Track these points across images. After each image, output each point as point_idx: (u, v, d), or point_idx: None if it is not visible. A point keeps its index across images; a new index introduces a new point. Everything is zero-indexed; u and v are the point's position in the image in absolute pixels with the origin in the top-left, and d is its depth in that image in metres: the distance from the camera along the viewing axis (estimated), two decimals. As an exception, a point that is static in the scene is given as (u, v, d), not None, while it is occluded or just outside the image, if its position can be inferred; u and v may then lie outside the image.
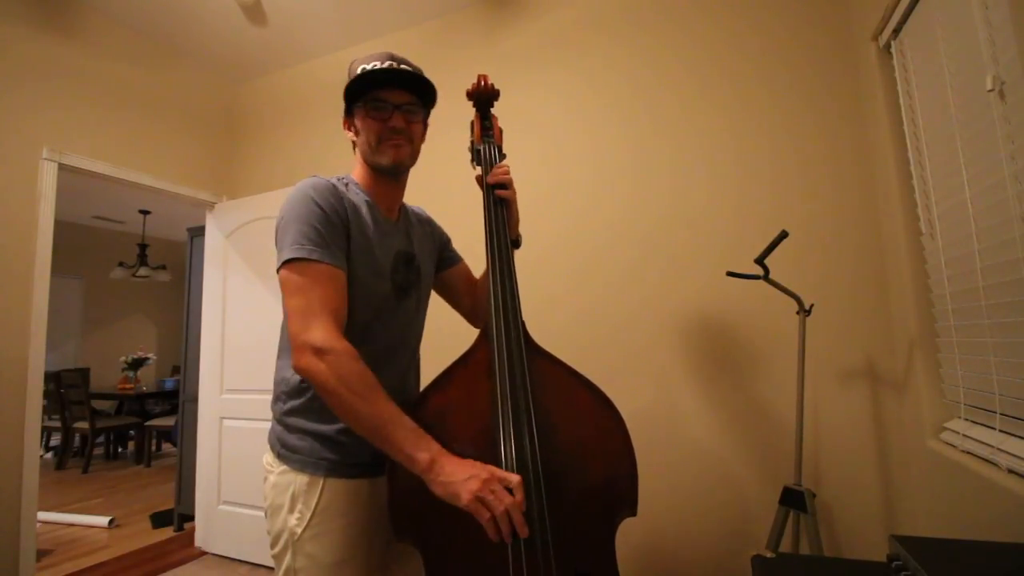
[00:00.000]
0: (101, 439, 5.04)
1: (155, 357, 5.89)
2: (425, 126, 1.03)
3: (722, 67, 1.95)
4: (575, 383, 0.91)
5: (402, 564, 0.99)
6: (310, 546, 0.88)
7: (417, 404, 0.87)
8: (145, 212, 5.57)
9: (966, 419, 1.21)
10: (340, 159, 2.67)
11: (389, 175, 0.99)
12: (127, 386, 5.07)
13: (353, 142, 1.00)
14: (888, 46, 1.49)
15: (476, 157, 1.11)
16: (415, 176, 1.07)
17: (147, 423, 4.77)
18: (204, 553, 2.72)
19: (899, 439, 1.57)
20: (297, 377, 0.92)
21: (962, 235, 1.16)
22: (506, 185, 1.03)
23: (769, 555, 0.71)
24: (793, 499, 1.46)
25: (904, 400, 1.55)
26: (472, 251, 1.24)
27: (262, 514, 0.96)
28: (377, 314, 0.94)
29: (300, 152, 2.93)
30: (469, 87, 1.11)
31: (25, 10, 2.27)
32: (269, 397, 1.01)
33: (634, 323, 2.00)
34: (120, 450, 5.26)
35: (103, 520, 3.12)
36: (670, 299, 1.95)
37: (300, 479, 0.90)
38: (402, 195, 1.06)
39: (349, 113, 0.99)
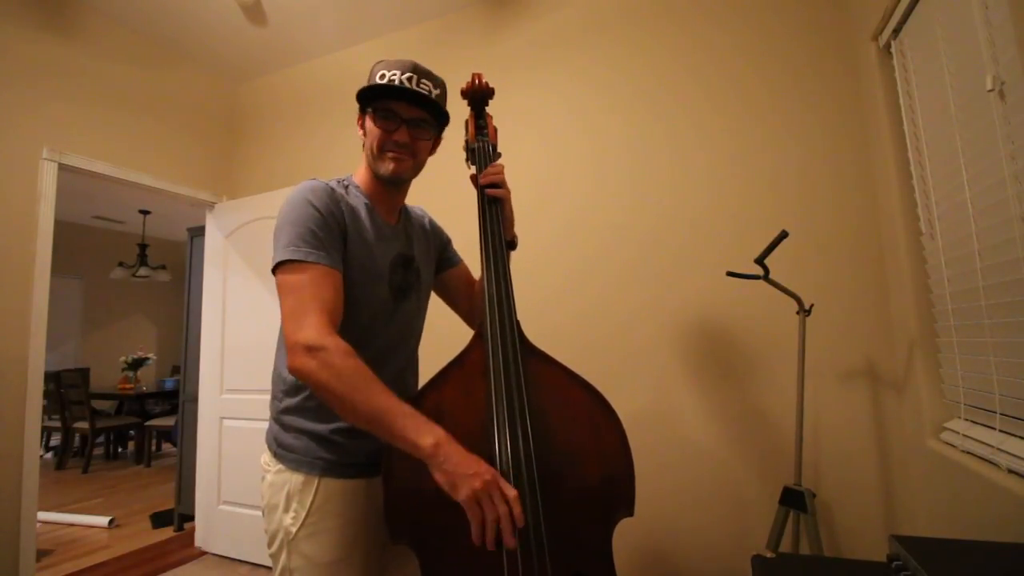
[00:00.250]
0: (101, 439, 5.04)
1: (155, 357, 5.89)
2: (437, 141, 1.03)
3: (722, 67, 1.95)
4: (571, 383, 0.91)
5: (399, 566, 0.99)
6: (305, 545, 0.88)
7: (412, 403, 0.87)
8: (145, 212, 5.57)
9: (966, 419, 1.21)
10: (340, 159, 2.67)
11: (388, 185, 0.99)
12: (127, 386, 5.07)
13: (363, 139, 1.01)
14: (888, 46, 1.49)
15: (471, 156, 1.11)
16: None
17: (147, 423, 4.77)
18: (204, 553, 2.72)
19: (899, 439, 1.57)
20: (293, 376, 0.93)
21: (962, 235, 1.16)
22: (499, 184, 1.02)
23: (769, 555, 0.71)
24: (793, 499, 1.46)
25: (904, 400, 1.55)
26: (467, 251, 1.24)
27: (261, 514, 0.96)
28: (375, 317, 0.95)
29: (300, 152, 2.93)
30: (463, 86, 1.11)
31: (25, 10, 2.27)
32: (269, 397, 1.01)
33: (633, 323, 2.00)
34: (120, 450, 5.26)
35: (103, 520, 3.12)
36: (670, 299, 1.95)
37: (295, 478, 0.90)
38: (403, 200, 1.06)
39: (363, 112, 0.98)
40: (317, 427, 0.91)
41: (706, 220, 1.92)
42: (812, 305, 1.56)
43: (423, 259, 1.08)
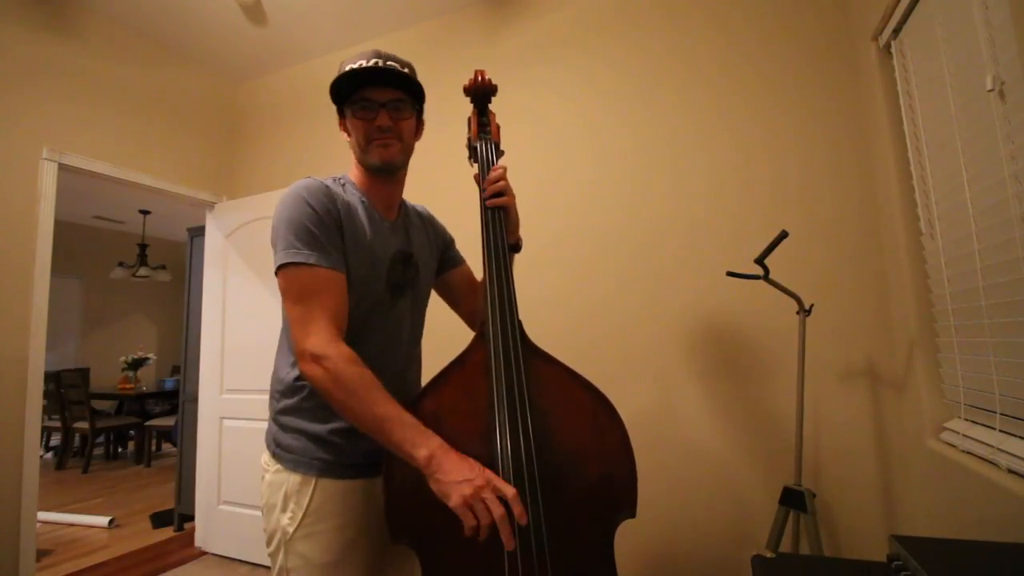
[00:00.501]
0: (101, 439, 5.03)
1: (155, 357, 5.89)
2: (420, 122, 1.02)
3: (722, 67, 1.95)
4: (573, 383, 0.90)
5: (397, 567, 0.99)
6: (302, 546, 0.88)
7: (413, 404, 0.87)
8: (145, 212, 5.57)
9: (966, 419, 1.21)
10: (340, 159, 2.67)
11: (382, 174, 0.98)
12: (127, 386, 5.07)
13: (349, 142, 1.00)
14: (888, 46, 1.49)
15: (473, 154, 1.10)
16: (413, 174, 1.06)
17: (147, 423, 4.77)
18: (204, 553, 2.72)
19: (899, 439, 1.57)
20: (292, 375, 0.93)
21: (962, 235, 1.16)
22: (502, 193, 1.01)
23: (769, 555, 0.71)
24: (793, 499, 1.46)
25: (904, 400, 1.55)
26: (469, 251, 1.23)
27: (261, 513, 0.96)
28: (372, 313, 0.94)
29: (300, 152, 2.93)
30: (466, 82, 1.11)
31: (25, 10, 2.27)
32: (268, 397, 1.01)
33: (634, 323, 2.00)
34: (120, 450, 5.26)
35: (103, 520, 3.12)
36: (670, 299, 1.95)
37: (293, 478, 0.90)
38: (400, 193, 1.05)
39: (342, 114, 0.98)
40: (315, 427, 0.91)
41: (706, 220, 1.92)
42: (812, 305, 1.56)
43: (423, 256, 1.07)
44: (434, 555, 0.83)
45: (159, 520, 3.16)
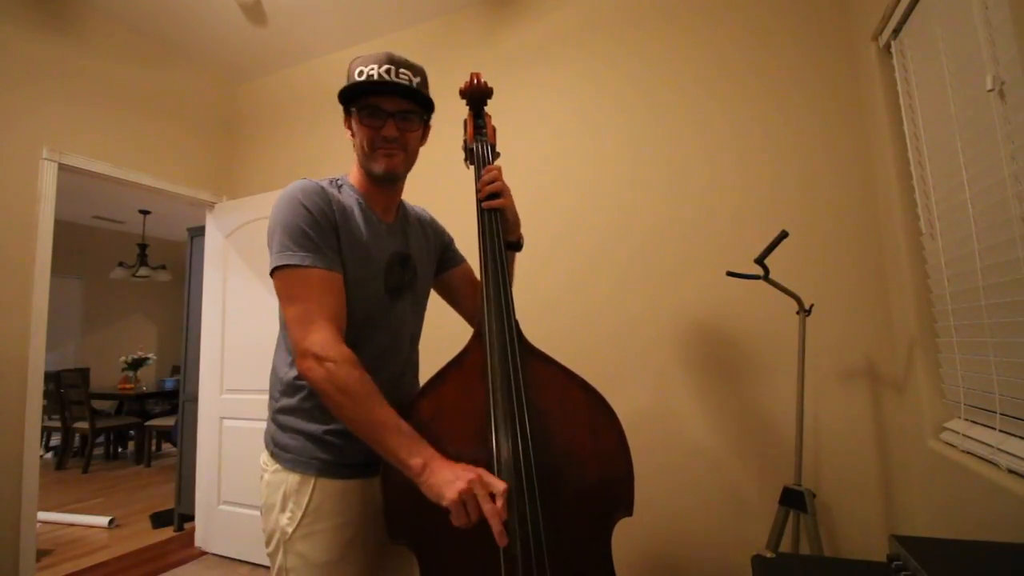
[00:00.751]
0: (101, 439, 5.04)
1: (155, 357, 5.89)
2: (426, 130, 1.02)
3: (722, 67, 1.95)
4: (570, 383, 0.91)
5: (396, 567, 0.99)
6: (301, 546, 0.88)
7: (411, 405, 0.87)
8: (145, 212, 5.57)
9: (966, 419, 1.21)
10: (340, 159, 2.67)
11: (383, 183, 0.98)
12: (127, 386, 5.07)
13: (352, 141, 1.00)
14: (888, 46, 1.49)
15: (469, 156, 1.10)
16: (412, 174, 1.06)
17: (147, 423, 4.77)
18: (204, 553, 2.72)
19: (899, 439, 1.57)
20: (291, 375, 0.93)
21: (962, 235, 1.16)
22: (498, 193, 1.01)
23: (769, 555, 0.71)
24: (793, 499, 1.46)
25: (904, 400, 1.55)
26: (468, 250, 1.23)
27: (260, 513, 0.96)
28: (370, 315, 0.94)
29: (300, 152, 2.93)
30: (462, 85, 1.11)
31: (25, 10, 2.27)
32: (268, 397, 1.01)
33: (633, 323, 2.00)
34: (120, 450, 5.26)
35: (103, 520, 3.12)
36: (670, 299, 1.95)
37: (292, 478, 0.90)
38: (399, 197, 1.05)
39: (348, 112, 0.98)
40: (313, 428, 0.91)
41: (706, 220, 1.92)
42: (812, 305, 1.56)
43: (421, 258, 1.07)
44: (433, 555, 0.83)
45: (159, 520, 3.16)
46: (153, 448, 4.97)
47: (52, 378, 4.51)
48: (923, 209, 1.38)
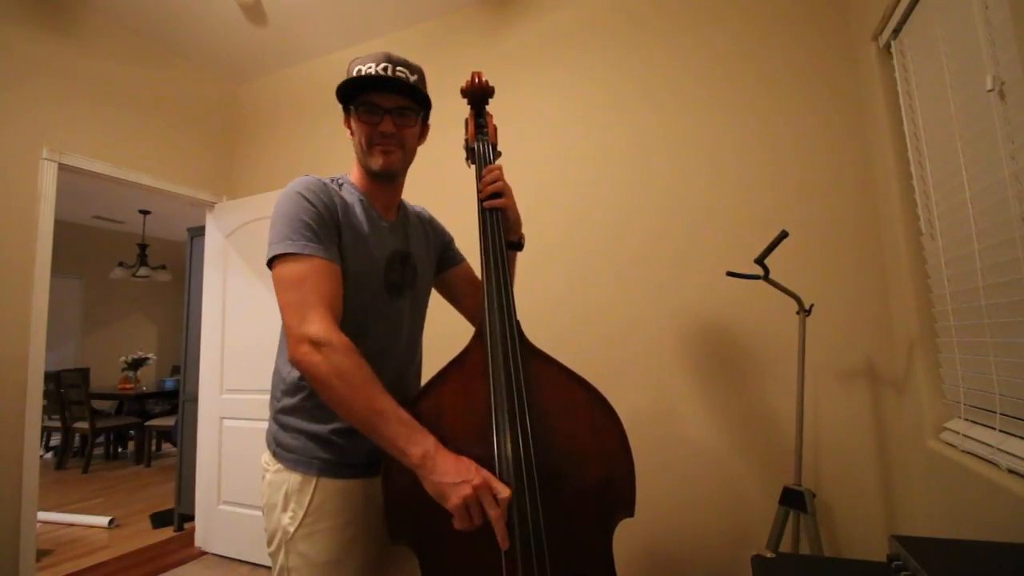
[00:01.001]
0: (101, 439, 5.04)
1: (155, 357, 5.89)
2: (424, 128, 1.02)
3: (722, 68, 1.95)
4: (570, 383, 0.90)
5: (397, 567, 0.99)
6: (303, 545, 0.88)
7: (412, 404, 0.87)
8: (145, 212, 5.57)
9: (966, 419, 1.21)
10: (340, 159, 2.67)
11: (381, 179, 0.98)
12: (127, 386, 5.07)
13: (353, 142, 1.01)
14: (888, 46, 1.49)
15: (470, 155, 1.11)
16: (412, 174, 1.07)
17: (147, 423, 4.77)
18: (204, 553, 2.72)
19: (899, 439, 1.57)
20: (294, 375, 0.93)
21: (962, 235, 1.16)
22: (499, 193, 1.01)
23: (769, 555, 0.71)
24: (793, 499, 1.46)
25: (904, 400, 1.55)
26: (469, 250, 1.23)
27: (261, 513, 0.96)
28: (369, 312, 0.94)
29: (300, 152, 2.93)
30: (463, 84, 1.11)
31: (25, 10, 2.27)
32: (268, 397, 1.01)
33: (633, 323, 2.00)
34: (120, 450, 5.26)
35: (103, 520, 3.12)
36: (670, 299, 1.95)
37: (293, 478, 0.90)
38: (399, 195, 1.06)
39: (347, 111, 0.99)
40: (315, 427, 0.91)
41: (706, 220, 1.92)
42: (812, 305, 1.57)
43: (421, 256, 1.07)
44: (434, 555, 0.83)
45: (159, 520, 3.16)
46: (153, 448, 4.97)
47: (52, 378, 4.51)
48: (923, 209, 1.38)
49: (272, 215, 0.90)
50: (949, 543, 0.67)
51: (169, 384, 5.07)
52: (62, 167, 2.36)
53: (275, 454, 0.94)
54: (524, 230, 1.11)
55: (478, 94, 1.12)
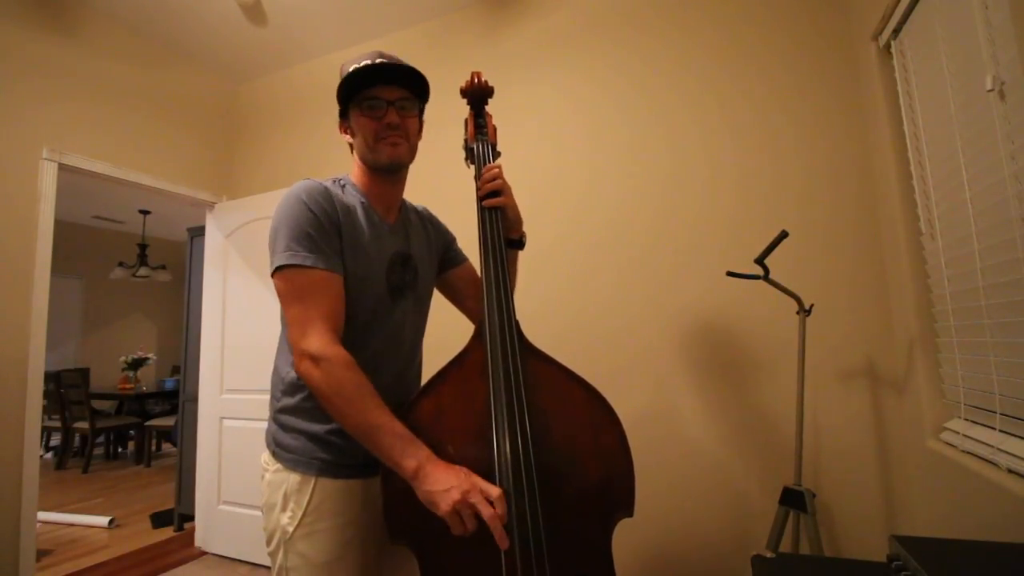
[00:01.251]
0: (101, 439, 5.04)
1: (155, 357, 5.89)
2: (421, 122, 1.02)
3: (723, 68, 1.95)
4: (570, 383, 0.91)
5: (396, 567, 0.99)
6: (301, 545, 0.88)
7: (411, 405, 0.87)
8: (145, 212, 5.57)
9: (966, 419, 1.21)
10: (341, 159, 2.67)
11: (387, 173, 0.98)
12: (127, 386, 5.07)
13: (350, 144, 1.01)
14: (888, 46, 1.49)
15: (470, 155, 1.11)
16: (412, 173, 1.07)
17: (147, 423, 4.77)
18: (204, 553, 2.72)
19: (899, 439, 1.57)
20: (292, 375, 0.93)
21: (962, 235, 1.16)
22: (499, 192, 1.01)
23: (769, 555, 0.71)
24: (793, 499, 1.46)
25: (904, 400, 1.55)
26: (469, 249, 1.23)
27: (261, 512, 0.96)
28: (371, 315, 0.95)
29: (300, 152, 2.93)
30: (463, 84, 1.11)
31: (25, 10, 2.27)
32: (268, 397, 1.01)
33: (633, 323, 2.00)
34: (120, 450, 5.26)
35: (103, 520, 3.12)
36: (670, 299, 1.95)
37: (292, 478, 0.90)
38: (401, 194, 1.05)
39: (344, 115, 0.99)
40: (314, 427, 0.91)
41: (706, 220, 1.92)
42: (812, 305, 1.56)
43: (422, 257, 1.07)
44: (433, 555, 0.83)
45: (159, 520, 3.16)
46: (153, 448, 4.97)
47: (52, 378, 4.51)
48: (923, 209, 1.38)
49: (273, 221, 0.90)
50: (949, 543, 0.67)
51: (169, 384, 5.07)
52: (62, 167, 2.36)
53: (274, 454, 0.94)
54: (525, 229, 1.11)
55: (478, 94, 1.12)
